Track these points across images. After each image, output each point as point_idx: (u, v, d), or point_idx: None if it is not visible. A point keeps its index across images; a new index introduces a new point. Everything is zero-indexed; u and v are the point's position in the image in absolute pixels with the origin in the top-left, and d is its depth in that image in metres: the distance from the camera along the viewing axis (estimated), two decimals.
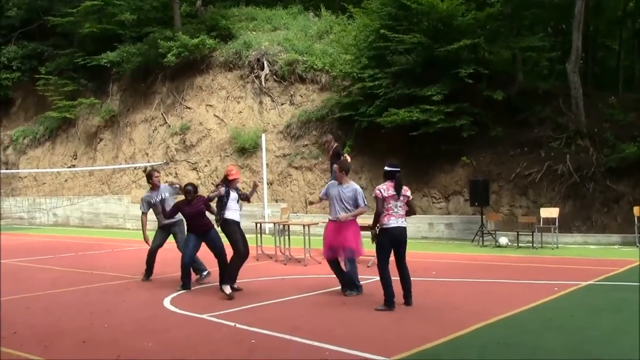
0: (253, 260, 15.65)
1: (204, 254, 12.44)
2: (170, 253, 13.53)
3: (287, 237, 16.67)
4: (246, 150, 28.18)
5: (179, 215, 12.95)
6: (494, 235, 19.52)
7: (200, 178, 29.16)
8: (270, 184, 26.23)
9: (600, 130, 21.22)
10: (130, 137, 33.25)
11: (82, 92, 35.61)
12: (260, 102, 29.49)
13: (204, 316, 9.73)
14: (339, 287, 11.48)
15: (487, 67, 22.37)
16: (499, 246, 18.85)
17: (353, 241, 11.30)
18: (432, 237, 21.63)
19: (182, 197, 12.40)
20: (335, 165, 11.69)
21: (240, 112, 29.86)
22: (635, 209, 18.38)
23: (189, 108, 31.57)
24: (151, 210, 13.66)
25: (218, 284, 11.89)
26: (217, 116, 30.52)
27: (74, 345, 8.24)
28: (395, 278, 10.03)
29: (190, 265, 12.29)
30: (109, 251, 20.50)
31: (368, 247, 15.73)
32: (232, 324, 9.11)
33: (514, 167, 21.75)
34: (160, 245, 13.52)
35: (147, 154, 32.02)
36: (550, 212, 19.18)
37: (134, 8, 33.52)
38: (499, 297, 11.01)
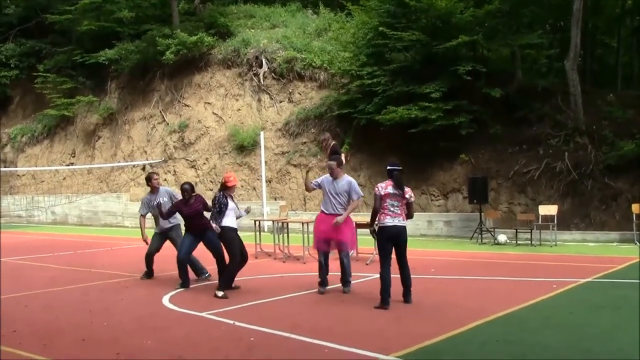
0: (252, 258, 15.60)
1: (203, 253, 12.41)
2: (168, 251, 13.51)
3: (286, 235, 16.69)
4: (245, 148, 28.18)
5: (176, 220, 12.99)
6: (492, 233, 19.54)
7: (199, 176, 29.16)
8: (269, 181, 26.23)
9: (598, 127, 21.23)
10: (129, 135, 33.24)
11: (81, 90, 35.60)
12: (259, 100, 29.48)
13: (203, 314, 9.72)
14: (338, 285, 11.46)
15: (485, 64, 22.38)
16: (498, 244, 18.86)
17: (348, 235, 11.29)
18: (431, 234, 21.65)
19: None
20: (331, 162, 11.60)
21: (239, 109, 29.85)
22: (634, 207, 18.39)
23: (188, 106, 31.56)
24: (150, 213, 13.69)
25: (217, 282, 11.91)
26: (215, 114, 30.51)
27: (74, 343, 8.23)
28: (395, 275, 10.02)
29: (186, 261, 12.25)
30: (108, 249, 20.49)
31: (367, 245, 15.87)
32: (231, 321, 9.10)
33: (512, 165, 21.76)
34: (157, 249, 13.49)
35: (145, 152, 32.00)
36: (548, 210, 19.20)
37: (132, 5, 33.49)
38: (498, 294, 11.01)
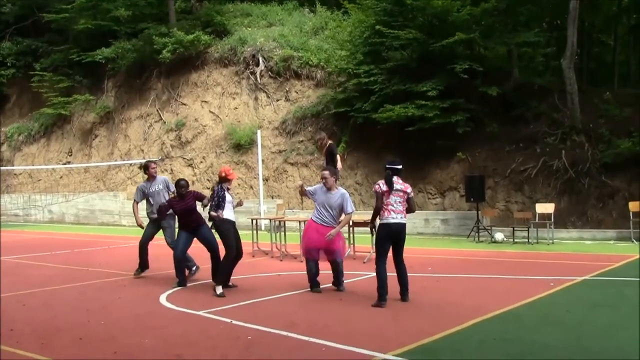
0: (249, 257, 15.64)
1: (198, 250, 12.41)
2: (163, 249, 13.51)
3: (283, 233, 16.68)
4: (241, 146, 28.18)
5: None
6: (489, 231, 19.55)
7: (196, 174, 29.16)
8: (265, 180, 26.23)
9: (595, 125, 21.24)
10: (126, 133, 33.23)
11: (77, 89, 35.57)
12: (256, 98, 29.48)
13: (201, 313, 9.71)
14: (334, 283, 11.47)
15: (482, 63, 22.40)
16: (495, 242, 18.88)
17: (339, 244, 11.27)
18: (428, 232, 21.66)
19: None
20: (324, 172, 11.54)
21: (236, 108, 29.85)
22: (631, 205, 18.42)
23: (184, 104, 31.56)
24: (144, 202, 13.70)
25: (213, 280, 11.95)
26: (212, 112, 30.50)
27: (71, 342, 8.22)
28: (392, 274, 10.03)
29: (182, 259, 12.28)
30: (105, 248, 20.49)
31: (364, 244, 15.88)
32: (229, 320, 9.10)
33: (509, 163, 21.78)
34: (150, 237, 13.49)
35: (142, 151, 31.99)
36: (545, 208, 19.21)
37: (129, 4, 33.52)
38: (495, 292, 11.02)
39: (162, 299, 11.02)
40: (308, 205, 24.45)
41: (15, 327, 8.94)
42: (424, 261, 14.85)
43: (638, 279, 11.71)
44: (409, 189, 10.27)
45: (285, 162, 26.88)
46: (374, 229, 10.32)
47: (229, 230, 11.50)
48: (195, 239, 12.19)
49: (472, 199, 20.15)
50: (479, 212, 20.03)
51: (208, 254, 12.10)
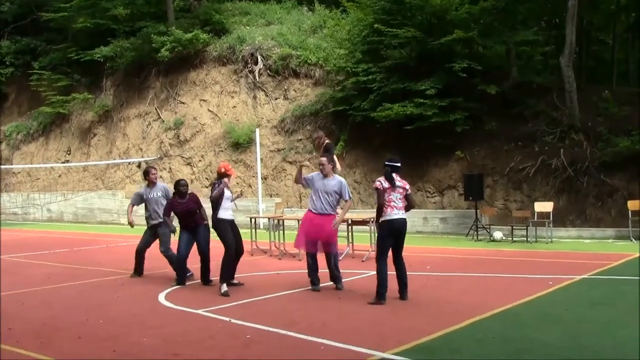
0: (248, 255, 15.61)
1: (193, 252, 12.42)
2: (158, 249, 13.52)
3: (281, 232, 16.68)
4: (240, 145, 28.18)
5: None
6: (488, 230, 19.55)
7: (195, 173, 29.16)
8: (264, 178, 26.22)
9: (594, 124, 21.23)
10: (124, 132, 33.22)
11: (76, 87, 35.55)
12: (254, 97, 29.47)
13: (199, 311, 9.71)
14: (331, 282, 11.44)
15: (481, 62, 22.35)
16: (494, 240, 18.87)
17: (334, 235, 11.25)
18: (427, 231, 21.66)
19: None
20: (322, 159, 11.56)
21: (234, 106, 29.84)
22: (629, 203, 18.41)
23: (183, 103, 31.55)
24: (143, 206, 13.69)
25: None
26: (211, 111, 30.50)
27: (70, 340, 8.22)
28: (391, 273, 10.04)
29: (185, 260, 12.28)
30: (104, 247, 20.49)
31: (362, 242, 15.88)
32: (227, 319, 9.10)
33: (508, 162, 21.77)
34: (147, 245, 13.53)
35: (141, 149, 31.99)
36: (544, 207, 19.21)
37: (127, 3, 33.50)
38: (494, 291, 11.03)
39: (161, 297, 11.02)
40: (307, 203, 24.40)
41: (14, 326, 8.95)
42: (422, 260, 14.85)
43: (637, 277, 11.70)
44: (407, 186, 10.31)
45: (283, 160, 26.88)
46: (378, 227, 10.30)
47: (226, 229, 11.51)
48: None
49: (470, 198, 20.14)
50: (478, 210, 20.03)
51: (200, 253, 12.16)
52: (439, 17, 22.42)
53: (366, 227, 16.12)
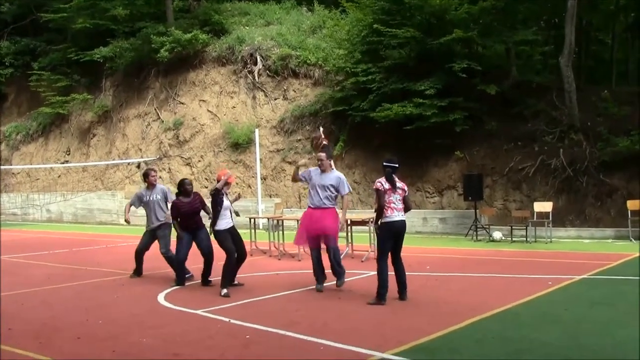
0: (247, 256, 15.63)
1: (192, 251, 12.41)
2: (158, 249, 13.51)
3: (281, 232, 16.69)
4: (240, 145, 28.18)
5: (167, 218, 12.99)
6: (487, 230, 19.55)
7: (194, 173, 29.14)
8: (264, 179, 26.22)
9: (593, 124, 21.22)
10: (124, 132, 33.21)
11: (75, 88, 35.53)
12: (254, 97, 29.47)
13: (199, 312, 9.72)
14: (333, 282, 11.41)
15: (480, 62, 22.34)
16: (493, 240, 18.87)
17: (334, 228, 11.23)
18: (426, 231, 21.65)
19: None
20: (321, 154, 11.60)
21: (234, 107, 29.84)
22: (629, 203, 18.41)
23: (182, 103, 31.54)
24: (142, 208, 13.70)
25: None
26: (210, 111, 30.49)
27: (69, 341, 8.23)
28: (390, 273, 10.04)
29: (184, 261, 12.29)
30: (103, 247, 20.48)
31: (362, 242, 15.88)
32: (227, 319, 9.10)
33: (507, 162, 21.77)
34: (147, 247, 13.53)
35: (140, 150, 31.98)
36: (543, 207, 19.21)
37: (127, 3, 33.47)
38: (494, 291, 11.04)
39: (160, 298, 11.03)
40: (306, 204, 24.40)
41: (14, 327, 8.95)
42: (422, 260, 14.85)
43: (636, 277, 11.70)
44: (406, 187, 10.32)
45: (283, 161, 26.88)
46: (377, 229, 10.29)
47: (225, 238, 11.52)
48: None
49: (470, 198, 20.14)
50: (477, 210, 20.04)
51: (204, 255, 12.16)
52: (438, 17, 22.41)
53: (365, 228, 16.12)
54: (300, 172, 11.87)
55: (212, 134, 29.76)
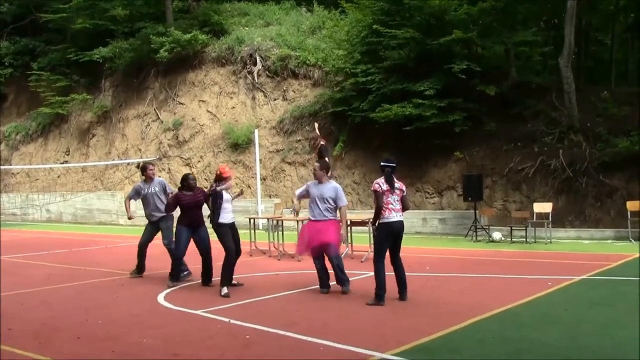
0: (247, 256, 15.64)
1: (190, 249, 12.39)
2: (159, 248, 13.50)
3: (280, 233, 16.68)
4: (239, 145, 28.18)
5: (165, 211, 13.00)
6: (487, 230, 19.55)
7: (194, 174, 29.03)
8: (263, 179, 26.23)
9: (593, 124, 21.22)
10: (123, 132, 33.22)
11: (75, 88, 35.56)
12: (253, 98, 29.48)
13: (199, 312, 9.71)
14: (333, 282, 11.41)
15: (479, 63, 22.33)
16: (493, 241, 18.87)
17: (334, 237, 11.19)
18: (426, 232, 21.65)
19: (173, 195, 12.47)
20: (316, 164, 11.65)
21: (233, 107, 29.85)
22: (628, 204, 18.41)
23: (182, 104, 31.55)
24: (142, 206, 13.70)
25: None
26: (210, 112, 30.50)
27: (69, 341, 8.22)
28: (390, 273, 10.04)
29: (182, 258, 12.25)
30: (103, 247, 20.47)
31: (362, 243, 15.87)
32: (227, 319, 9.10)
33: (507, 162, 21.77)
34: (149, 239, 13.50)
35: (139, 150, 31.99)
36: (543, 207, 19.22)
37: (126, 3, 33.52)
38: (493, 291, 11.03)
39: (160, 298, 11.02)
40: (306, 204, 24.32)
41: (13, 327, 8.95)
42: (422, 260, 14.86)
43: (636, 278, 11.71)
44: (404, 187, 10.32)
45: (282, 161, 26.88)
46: (375, 229, 10.28)
47: (226, 233, 11.52)
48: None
49: (469, 198, 20.14)
50: (477, 211, 20.04)
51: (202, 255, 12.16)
52: (438, 18, 22.42)
53: (365, 228, 16.12)
54: (297, 192, 11.93)
55: (211, 134, 29.77)
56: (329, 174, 11.72)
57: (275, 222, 17.15)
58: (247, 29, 32.36)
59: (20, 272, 14.92)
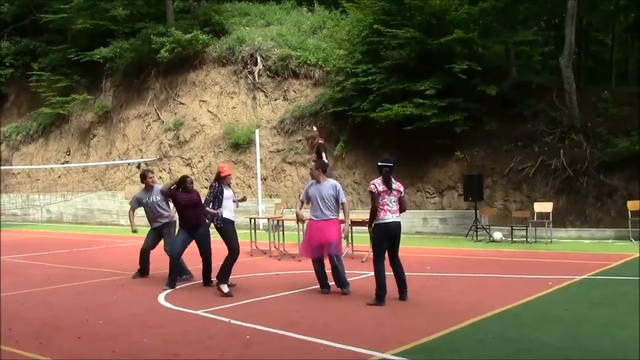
0: (247, 256, 15.66)
1: (189, 250, 12.38)
2: (161, 249, 13.49)
3: (281, 233, 16.68)
4: (240, 145, 28.17)
5: (170, 217, 13.01)
6: (488, 230, 19.55)
7: (194, 174, 29.12)
8: (264, 179, 26.21)
9: (593, 124, 21.22)
10: (124, 133, 33.21)
11: (75, 88, 35.54)
12: (254, 98, 29.46)
13: (199, 312, 9.72)
14: (333, 282, 11.40)
15: (480, 62, 22.32)
16: (493, 241, 18.87)
17: (336, 237, 11.20)
18: (426, 232, 21.65)
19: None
20: (312, 164, 11.70)
21: (234, 107, 29.84)
22: (629, 204, 18.41)
23: (183, 104, 31.54)
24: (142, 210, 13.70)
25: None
26: (210, 112, 30.49)
27: (69, 341, 8.22)
28: (389, 274, 10.04)
29: (179, 257, 12.21)
30: (103, 247, 20.48)
31: (362, 243, 15.87)
32: (227, 319, 9.10)
33: (508, 162, 21.76)
34: (152, 246, 13.48)
35: (140, 150, 31.98)
36: (544, 207, 19.21)
37: (127, 3, 33.45)
38: (494, 291, 11.03)
39: (160, 298, 11.02)
40: (307, 206, 24.42)
41: (14, 327, 8.95)
42: (422, 260, 14.85)
43: (636, 277, 11.70)
44: (402, 188, 10.32)
45: (283, 161, 26.87)
46: (371, 231, 10.28)
47: (233, 232, 11.52)
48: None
49: (470, 198, 20.14)
50: (478, 211, 20.03)
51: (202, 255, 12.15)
52: (439, 18, 22.41)
53: (365, 228, 16.07)
54: (300, 198, 12.04)
55: (212, 134, 29.76)
56: (326, 173, 11.71)
57: (275, 222, 17.14)
58: (247, 28, 32.36)
59: (21, 272, 14.93)
